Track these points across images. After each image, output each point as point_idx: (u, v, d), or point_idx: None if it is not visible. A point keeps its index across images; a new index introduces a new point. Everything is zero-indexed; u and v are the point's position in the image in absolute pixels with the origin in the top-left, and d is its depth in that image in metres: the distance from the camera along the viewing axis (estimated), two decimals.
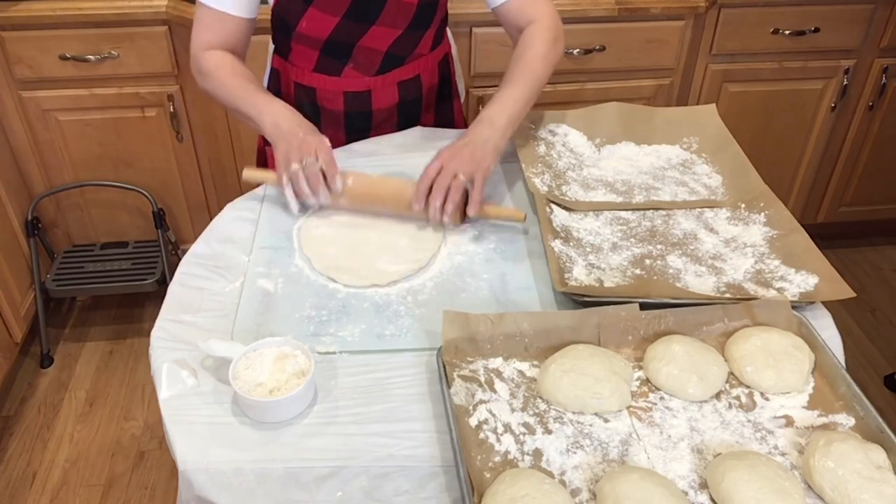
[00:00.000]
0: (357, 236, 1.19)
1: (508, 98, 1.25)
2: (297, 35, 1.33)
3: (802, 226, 1.17)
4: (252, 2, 1.30)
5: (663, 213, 1.24)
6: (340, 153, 1.39)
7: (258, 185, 1.30)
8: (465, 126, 1.52)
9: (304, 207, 1.22)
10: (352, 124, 1.44)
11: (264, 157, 1.51)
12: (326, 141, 1.20)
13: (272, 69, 1.46)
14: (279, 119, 1.22)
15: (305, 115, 1.40)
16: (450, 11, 1.95)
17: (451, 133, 1.43)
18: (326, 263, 1.13)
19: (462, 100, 1.60)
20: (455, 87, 1.56)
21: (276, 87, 1.45)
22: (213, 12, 1.28)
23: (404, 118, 1.47)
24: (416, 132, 1.44)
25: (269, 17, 1.36)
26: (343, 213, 1.23)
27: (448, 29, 1.50)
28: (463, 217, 1.20)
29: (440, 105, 1.53)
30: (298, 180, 1.17)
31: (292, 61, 1.40)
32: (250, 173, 1.27)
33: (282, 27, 1.35)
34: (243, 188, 1.31)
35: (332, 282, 1.10)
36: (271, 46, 1.46)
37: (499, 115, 1.23)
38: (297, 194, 1.19)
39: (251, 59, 1.36)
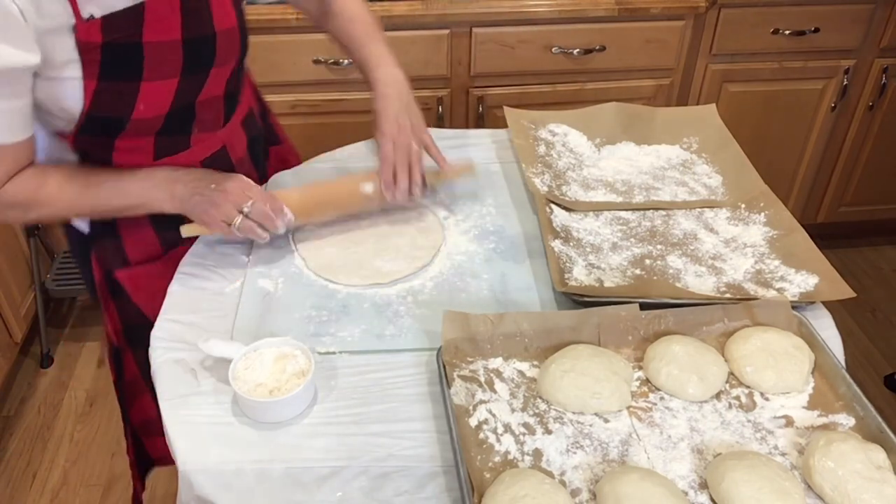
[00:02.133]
0: (355, 236, 1.18)
1: (391, 54, 1.24)
2: (129, 128, 1.05)
3: (802, 226, 1.17)
4: (26, 119, 0.98)
5: (663, 213, 1.24)
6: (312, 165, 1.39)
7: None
8: (286, 138, 1.49)
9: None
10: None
11: (115, 287, 1.25)
12: (244, 178, 1.09)
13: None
14: (172, 188, 1.05)
15: (153, 223, 1.19)
16: (450, 11, 1.96)
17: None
18: (323, 264, 1.12)
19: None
20: (265, 102, 1.44)
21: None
22: (2, 149, 0.97)
23: (255, 156, 1.32)
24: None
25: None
26: (334, 223, 1.22)
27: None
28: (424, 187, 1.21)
29: (266, 121, 1.42)
30: (252, 230, 1.07)
31: (119, 163, 1.10)
32: (190, 229, 1.11)
33: (103, 128, 1.05)
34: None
35: (332, 283, 1.10)
36: (71, 156, 1.11)
37: (395, 69, 1.22)
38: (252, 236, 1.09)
39: (252, 60, 1.31)
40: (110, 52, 0.96)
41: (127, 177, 1.05)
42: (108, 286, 1.21)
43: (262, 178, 1.33)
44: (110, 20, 0.95)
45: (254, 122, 1.32)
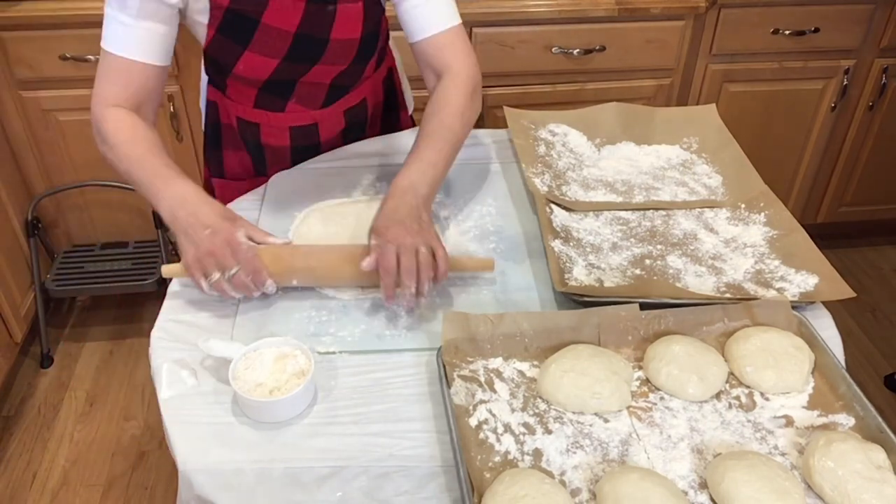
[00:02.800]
0: (353, 242, 1.18)
1: (427, 162, 1.12)
2: (233, 75, 1.23)
3: (802, 226, 1.17)
4: (166, 47, 1.14)
5: (663, 213, 1.24)
6: (335, 156, 1.39)
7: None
8: None
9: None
10: (298, 157, 1.37)
11: (210, 190, 1.42)
12: (240, 236, 1.03)
13: (208, 101, 1.34)
14: (176, 209, 1.04)
15: (249, 153, 1.33)
16: None
17: None
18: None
19: (410, 111, 1.53)
20: (401, 98, 1.49)
21: (215, 118, 1.35)
22: (118, 61, 1.11)
23: (351, 141, 1.41)
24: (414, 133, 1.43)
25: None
26: (336, 219, 1.22)
27: (390, 42, 1.42)
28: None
29: (386, 119, 1.47)
30: (226, 291, 1.02)
31: (230, 96, 1.30)
32: (170, 269, 1.09)
33: (215, 65, 1.25)
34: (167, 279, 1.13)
35: (331, 294, 1.08)
36: (205, 78, 1.33)
37: (420, 182, 1.10)
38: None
39: None
40: (231, 15, 1.15)
41: (161, 172, 1.09)
42: (208, 187, 1.44)
43: None
44: None
45: (360, 113, 1.39)
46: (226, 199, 1.30)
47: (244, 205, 1.27)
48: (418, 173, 1.11)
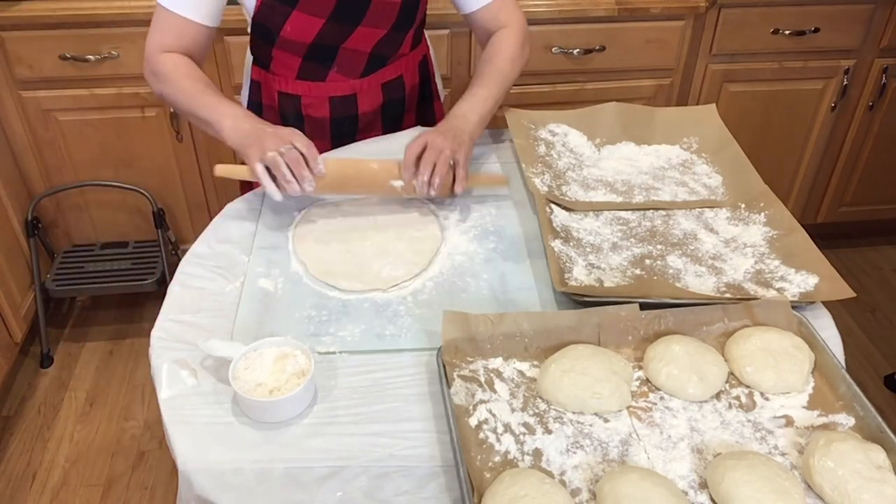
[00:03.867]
0: (353, 240, 1.18)
1: (479, 97, 1.29)
2: (280, 41, 1.30)
3: (802, 226, 1.17)
4: (216, 9, 1.25)
5: (663, 213, 1.24)
6: (339, 153, 1.39)
7: (238, 179, 1.27)
8: None
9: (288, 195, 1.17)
10: (338, 130, 1.43)
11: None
12: (299, 132, 1.17)
13: (252, 81, 1.43)
14: (239, 121, 1.18)
15: (290, 125, 1.37)
16: (450, 11, 1.96)
17: None
18: (323, 269, 1.12)
19: (442, 101, 1.59)
20: (435, 88, 1.55)
21: (258, 98, 1.42)
22: (173, 17, 1.22)
23: (389, 121, 1.47)
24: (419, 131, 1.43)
25: (243, 26, 1.34)
26: (336, 218, 1.23)
27: (425, 31, 1.50)
28: (450, 191, 1.22)
29: (421, 106, 1.53)
30: (278, 166, 1.12)
31: (274, 70, 1.37)
32: (224, 169, 1.21)
33: (263, 34, 1.32)
34: (217, 185, 1.31)
35: (332, 288, 1.09)
36: (249, 58, 1.43)
37: (471, 111, 1.27)
38: (278, 185, 1.14)
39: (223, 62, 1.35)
40: None
41: (219, 100, 1.21)
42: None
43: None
44: None
45: (398, 89, 1.44)
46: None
47: (244, 204, 1.27)
48: (470, 105, 1.28)
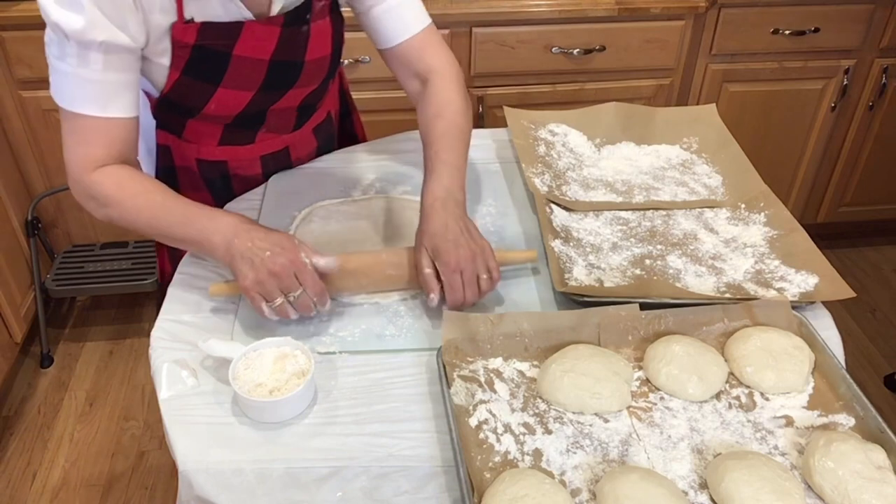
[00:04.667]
0: (352, 241, 1.18)
1: (454, 166, 1.11)
2: (201, 116, 1.14)
3: (802, 226, 1.17)
4: (137, 93, 1.04)
5: (663, 213, 1.24)
6: (335, 157, 1.39)
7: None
8: (365, 136, 1.49)
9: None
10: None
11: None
12: (301, 256, 0.98)
13: (158, 146, 1.24)
14: (231, 238, 0.98)
15: (215, 188, 1.27)
16: (450, 11, 1.96)
17: None
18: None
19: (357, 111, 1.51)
20: (352, 101, 1.48)
21: (168, 162, 1.25)
22: (94, 122, 0.99)
23: (320, 154, 1.38)
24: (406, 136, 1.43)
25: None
26: (336, 218, 1.22)
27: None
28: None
29: (342, 125, 1.45)
30: (287, 314, 0.99)
31: (188, 138, 1.21)
32: (219, 289, 1.05)
33: (176, 109, 1.14)
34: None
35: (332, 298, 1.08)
36: (149, 122, 1.21)
37: (455, 187, 1.09)
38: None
39: None
40: (199, 53, 1.05)
41: (197, 210, 1.02)
42: None
43: None
44: (208, 28, 1.04)
45: (328, 128, 1.36)
46: None
47: (244, 205, 1.27)
48: (450, 178, 1.09)
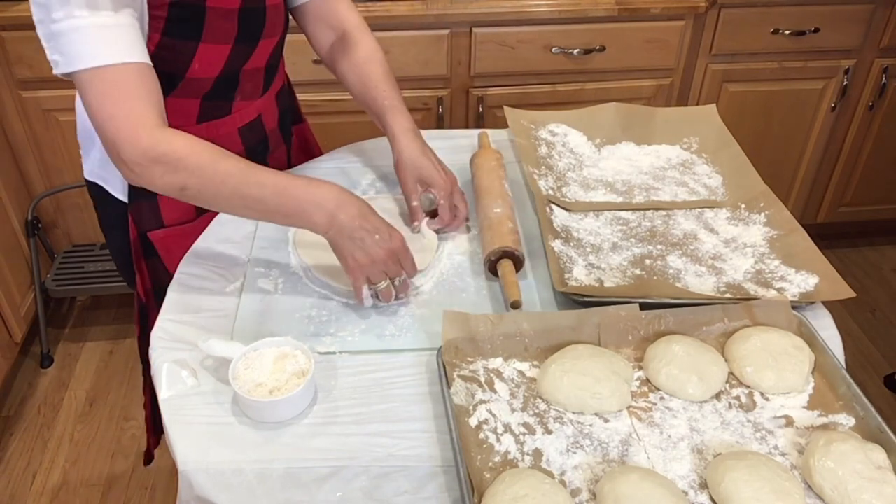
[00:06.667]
0: None
1: (405, 109, 1.24)
2: (182, 85, 1.09)
3: (802, 226, 1.17)
4: (141, 42, 0.98)
5: (663, 213, 1.24)
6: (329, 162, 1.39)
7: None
8: (318, 146, 1.51)
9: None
10: (252, 160, 1.19)
11: (148, 246, 1.24)
12: (403, 239, 1.01)
13: None
14: (335, 212, 0.95)
15: None
16: (450, 11, 1.96)
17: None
18: (323, 269, 1.12)
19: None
20: (300, 111, 1.48)
21: None
22: (128, 70, 0.92)
23: (284, 130, 1.37)
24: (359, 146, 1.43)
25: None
26: None
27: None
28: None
29: (297, 131, 1.45)
30: (389, 297, 1.02)
31: (169, 123, 1.07)
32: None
33: (160, 79, 1.03)
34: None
35: (331, 293, 1.09)
36: None
37: (409, 117, 1.23)
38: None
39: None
40: (176, 10, 1.00)
41: (290, 179, 0.96)
42: (141, 246, 1.22)
43: (287, 154, 1.40)
44: None
45: (286, 96, 1.36)
46: (171, 251, 1.20)
47: None
48: (406, 117, 1.22)
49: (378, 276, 0.99)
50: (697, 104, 2.19)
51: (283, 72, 1.36)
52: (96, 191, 1.25)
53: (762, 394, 0.94)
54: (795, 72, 2.22)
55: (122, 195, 1.21)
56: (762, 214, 1.22)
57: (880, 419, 0.86)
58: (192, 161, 0.93)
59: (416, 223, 1.16)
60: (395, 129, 1.20)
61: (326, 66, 1.34)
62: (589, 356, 0.93)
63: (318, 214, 0.96)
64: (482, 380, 0.93)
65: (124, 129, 0.91)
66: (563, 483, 0.82)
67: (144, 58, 0.96)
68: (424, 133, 1.32)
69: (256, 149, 1.29)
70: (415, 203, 1.18)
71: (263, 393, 0.89)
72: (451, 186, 1.19)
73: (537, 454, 0.85)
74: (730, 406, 0.92)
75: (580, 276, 1.09)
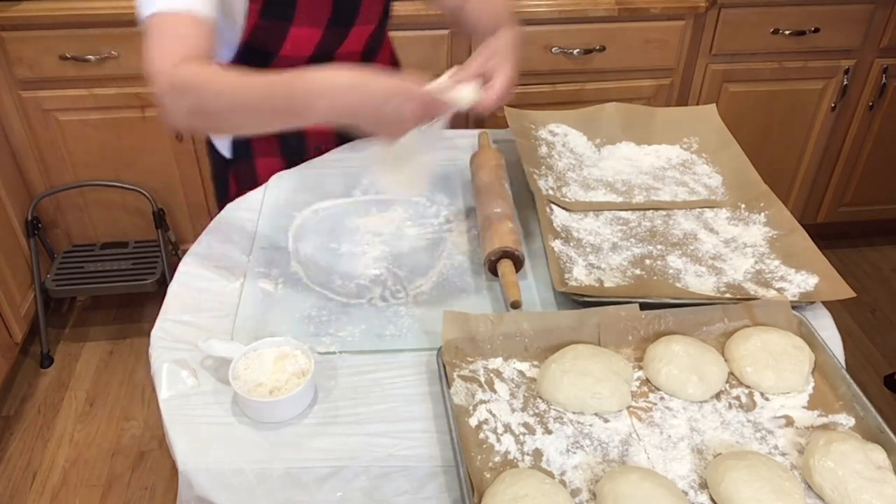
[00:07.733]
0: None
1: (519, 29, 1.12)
2: (276, 62, 1.18)
3: (802, 226, 1.17)
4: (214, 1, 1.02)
5: (663, 213, 1.24)
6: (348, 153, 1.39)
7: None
8: None
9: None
10: (342, 140, 1.39)
11: (226, 187, 1.38)
12: (426, 90, 0.95)
13: None
14: (338, 98, 0.91)
15: (293, 152, 1.33)
16: None
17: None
18: (320, 275, 1.11)
19: None
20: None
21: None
22: (178, 18, 0.96)
23: None
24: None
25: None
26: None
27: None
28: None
29: None
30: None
31: None
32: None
33: (256, 58, 1.15)
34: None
35: (329, 295, 1.09)
36: None
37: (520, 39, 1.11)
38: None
39: None
40: None
41: (289, 77, 0.92)
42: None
43: None
44: None
45: None
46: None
47: (244, 204, 1.27)
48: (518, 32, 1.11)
49: (405, 132, 0.94)
50: (697, 104, 2.19)
51: (386, 58, 1.40)
52: (209, 147, 1.41)
53: (762, 394, 0.94)
54: (795, 72, 2.22)
55: (227, 153, 1.35)
56: (762, 214, 1.22)
57: (880, 419, 0.86)
58: (197, 81, 0.94)
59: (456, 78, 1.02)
60: (504, 28, 1.10)
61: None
62: (589, 356, 0.93)
63: (323, 107, 0.92)
64: (482, 380, 0.93)
65: (156, 65, 0.94)
66: (563, 483, 0.82)
67: (204, 9, 0.98)
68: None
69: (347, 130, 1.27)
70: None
71: (263, 393, 0.89)
72: (505, 91, 1.03)
73: (537, 454, 0.85)
74: (730, 406, 0.92)
75: (580, 276, 1.09)
